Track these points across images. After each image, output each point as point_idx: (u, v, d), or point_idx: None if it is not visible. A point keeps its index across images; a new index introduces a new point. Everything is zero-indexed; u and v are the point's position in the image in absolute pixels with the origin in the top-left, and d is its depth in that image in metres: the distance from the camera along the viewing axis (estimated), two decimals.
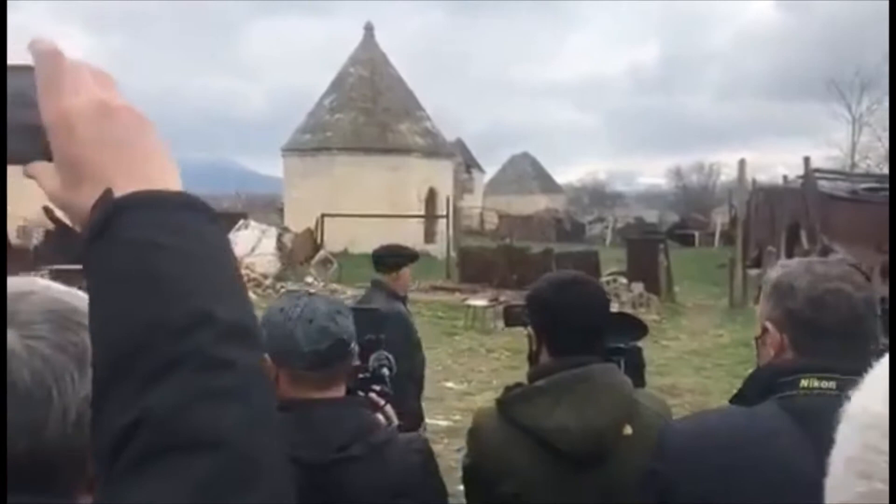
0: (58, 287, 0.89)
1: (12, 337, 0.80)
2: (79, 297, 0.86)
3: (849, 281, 1.55)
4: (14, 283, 0.86)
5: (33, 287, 0.86)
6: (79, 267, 0.65)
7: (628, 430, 1.96)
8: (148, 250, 0.62)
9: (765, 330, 1.60)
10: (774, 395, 1.51)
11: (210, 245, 0.65)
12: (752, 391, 1.57)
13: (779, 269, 1.66)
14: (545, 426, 1.96)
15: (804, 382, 1.48)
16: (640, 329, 2.39)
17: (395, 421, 2.28)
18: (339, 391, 1.94)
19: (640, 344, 2.34)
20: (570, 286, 2.12)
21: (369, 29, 31.65)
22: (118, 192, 0.64)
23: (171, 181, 0.68)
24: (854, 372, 1.50)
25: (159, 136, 0.70)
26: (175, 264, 0.62)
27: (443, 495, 2.04)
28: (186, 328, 0.60)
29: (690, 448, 1.55)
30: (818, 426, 1.43)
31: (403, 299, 5.00)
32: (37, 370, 0.79)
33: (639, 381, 2.21)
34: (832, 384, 1.47)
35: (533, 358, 2.15)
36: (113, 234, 0.63)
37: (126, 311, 0.61)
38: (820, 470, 1.48)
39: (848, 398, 1.59)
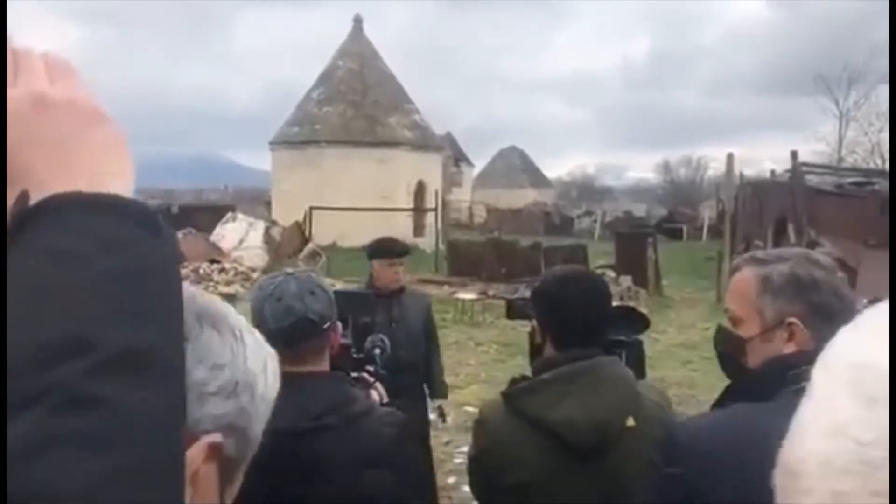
0: None
1: None
2: None
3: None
4: None
5: None
6: None
7: (631, 421, 2.00)
8: (42, 260, 0.54)
9: (781, 323, 1.56)
10: (787, 389, 1.43)
11: (129, 256, 0.55)
12: (758, 386, 1.51)
13: (778, 260, 1.62)
14: (552, 418, 2.00)
15: None
16: (641, 322, 2.43)
17: (385, 398, 2.34)
18: (318, 366, 1.97)
19: (641, 337, 2.37)
20: (574, 281, 2.16)
21: (358, 22, 31.52)
22: (46, 195, 0.56)
23: (120, 182, 0.60)
24: None
25: (113, 132, 0.62)
26: (67, 277, 0.53)
27: (418, 469, 2.07)
28: (56, 355, 0.49)
29: (712, 448, 1.47)
30: None
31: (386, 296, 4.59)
32: None
33: (640, 373, 2.25)
34: None
35: (537, 351, 2.19)
36: (19, 242, 0.55)
37: (6, 331, 0.51)
38: None
39: None
